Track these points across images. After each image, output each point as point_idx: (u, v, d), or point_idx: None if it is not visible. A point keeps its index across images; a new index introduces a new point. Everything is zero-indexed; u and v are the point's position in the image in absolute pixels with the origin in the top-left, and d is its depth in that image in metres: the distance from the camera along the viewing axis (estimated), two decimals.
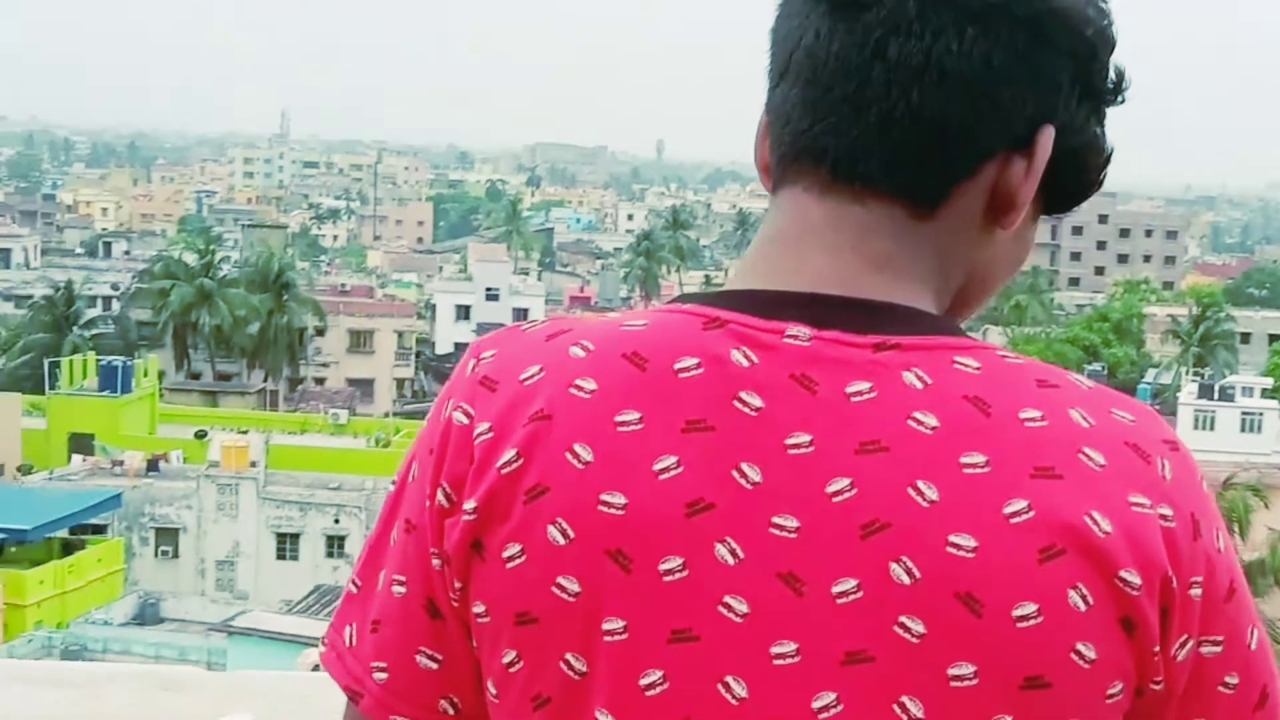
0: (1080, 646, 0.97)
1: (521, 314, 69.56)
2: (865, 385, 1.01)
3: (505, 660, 1.05)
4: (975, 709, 0.97)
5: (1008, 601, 0.96)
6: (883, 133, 1.04)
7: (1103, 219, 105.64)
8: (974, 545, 0.97)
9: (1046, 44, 1.05)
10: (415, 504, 1.10)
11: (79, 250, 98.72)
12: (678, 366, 1.03)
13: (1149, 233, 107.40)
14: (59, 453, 43.95)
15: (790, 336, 1.02)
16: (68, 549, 35.13)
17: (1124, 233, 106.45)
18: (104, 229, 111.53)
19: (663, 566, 1.00)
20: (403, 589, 1.11)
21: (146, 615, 33.93)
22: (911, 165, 1.05)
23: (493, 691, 1.08)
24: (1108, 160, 1.13)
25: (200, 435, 44.54)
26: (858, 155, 1.05)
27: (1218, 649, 1.03)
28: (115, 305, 69.12)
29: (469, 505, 1.05)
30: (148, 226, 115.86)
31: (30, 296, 67.50)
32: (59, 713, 1.85)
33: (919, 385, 1.01)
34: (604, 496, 1.01)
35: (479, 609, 1.06)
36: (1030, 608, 0.96)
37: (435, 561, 1.08)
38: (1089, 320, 65.37)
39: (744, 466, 1.00)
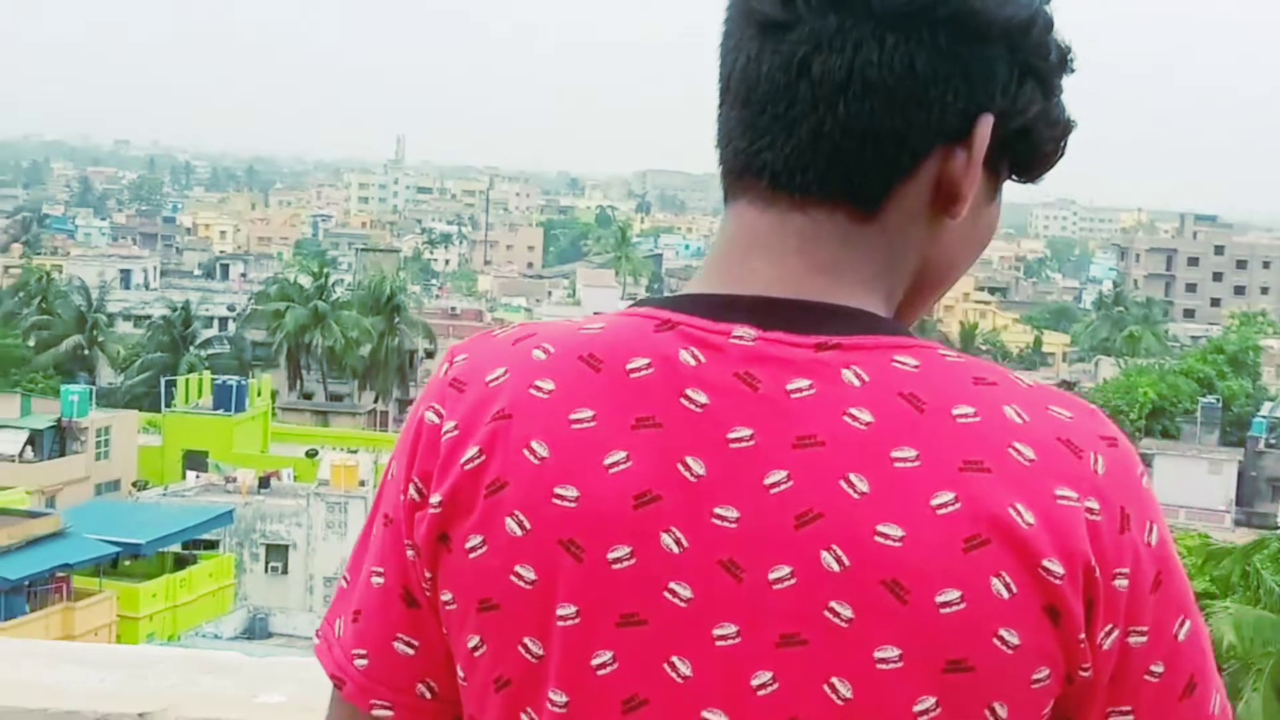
0: (1003, 632, 1.01)
1: None
2: (805, 383, 1.05)
3: (470, 645, 1.11)
4: (901, 690, 1.01)
5: (931, 588, 1.01)
6: (815, 145, 1.08)
7: (1219, 250, 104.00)
8: (901, 535, 1.01)
9: (973, 38, 1.08)
10: (391, 499, 1.16)
11: (197, 272, 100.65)
12: (630, 367, 1.08)
13: (1266, 264, 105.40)
14: (174, 469, 44.86)
15: (736, 337, 1.07)
16: (180, 563, 35.87)
17: (1240, 264, 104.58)
18: (222, 251, 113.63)
19: (611, 555, 1.05)
20: (381, 579, 1.17)
21: (255, 630, 34.51)
22: (847, 173, 1.09)
23: (461, 675, 1.14)
24: (1065, 130, 1.16)
25: (311, 454, 45.24)
26: (794, 168, 1.09)
27: (1143, 639, 1.06)
28: (231, 326, 70.47)
29: (435, 499, 1.11)
30: (264, 249, 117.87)
31: (149, 316, 68.98)
32: (107, 690, 1.99)
33: (857, 383, 1.05)
34: (558, 490, 1.07)
35: (446, 597, 1.12)
36: (953, 594, 1.01)
37: (409, 553, 1.14)
38: (1204, 352, 64.25)
39: (689, 460, 1.05)
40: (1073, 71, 1.16)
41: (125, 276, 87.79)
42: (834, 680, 1.02)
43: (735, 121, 1.12)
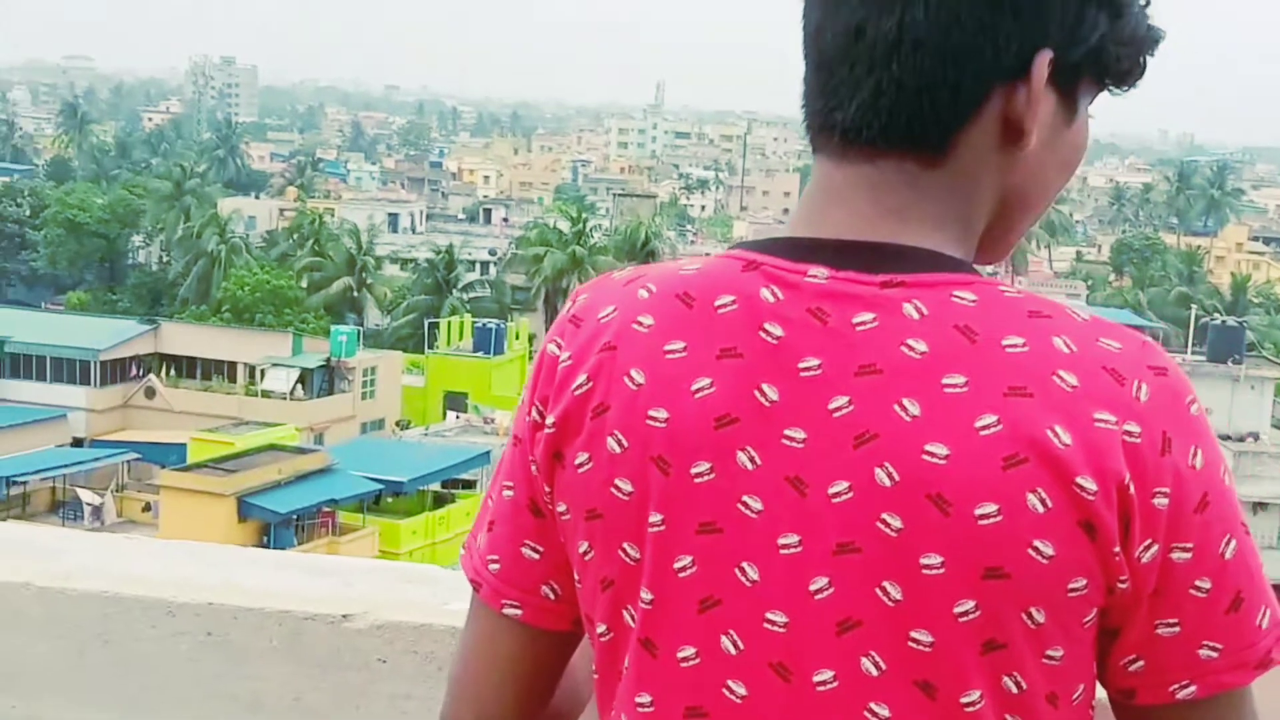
0: (1038, 543, 1.10)
1: None
2: (869, 316, 1.15)
3: (581, 550, 1.25)
4: (944, 594, 1.11)
5: (971, 502, 1.10)
6: (875, 102, 1.17)
7: None
8: (946, 453, 1.11)
9: None
10: (520, 422, 1.30)
11: (461, 216, 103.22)
12: (717, 303, 1.20)
13: None
14: (435, 409, 46.28)
15: (811, 276, 1.17)
16: (439, 501, 37.05)
17: None
18: (485, 196, 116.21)
19: (694, 470, 1.18)
20: (511, 493, 1.31)
21: None
22: (908, 125, 1.17)
23: (576, 577, 1.28)
24: (1144, 43, 1.23)
25: None
26: (860, 124, 1.18)
27: (1187, 555, 1.14)
28: (492, 270, 72.06)
29: (550, 420, 1.25)
30: (525, 194, 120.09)
31: (414, 260, 71.03)
32: (317, 594, 2.17)
33: (916, 316, 1.15)
34: (651, 412, 1.19)
35: (561, 508, 1.26)
36: (991, 508, 1.10)
37: (532, 468, 1.28)
38: None
39: (764, 387, 1.17)
40: None
41: (393, 220, 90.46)
42: (885, 584, 1.12)
43: (812, 83, 1.22)
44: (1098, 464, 1.10)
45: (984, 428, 1.11)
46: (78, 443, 45.23)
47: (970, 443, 1.11)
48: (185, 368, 50.34)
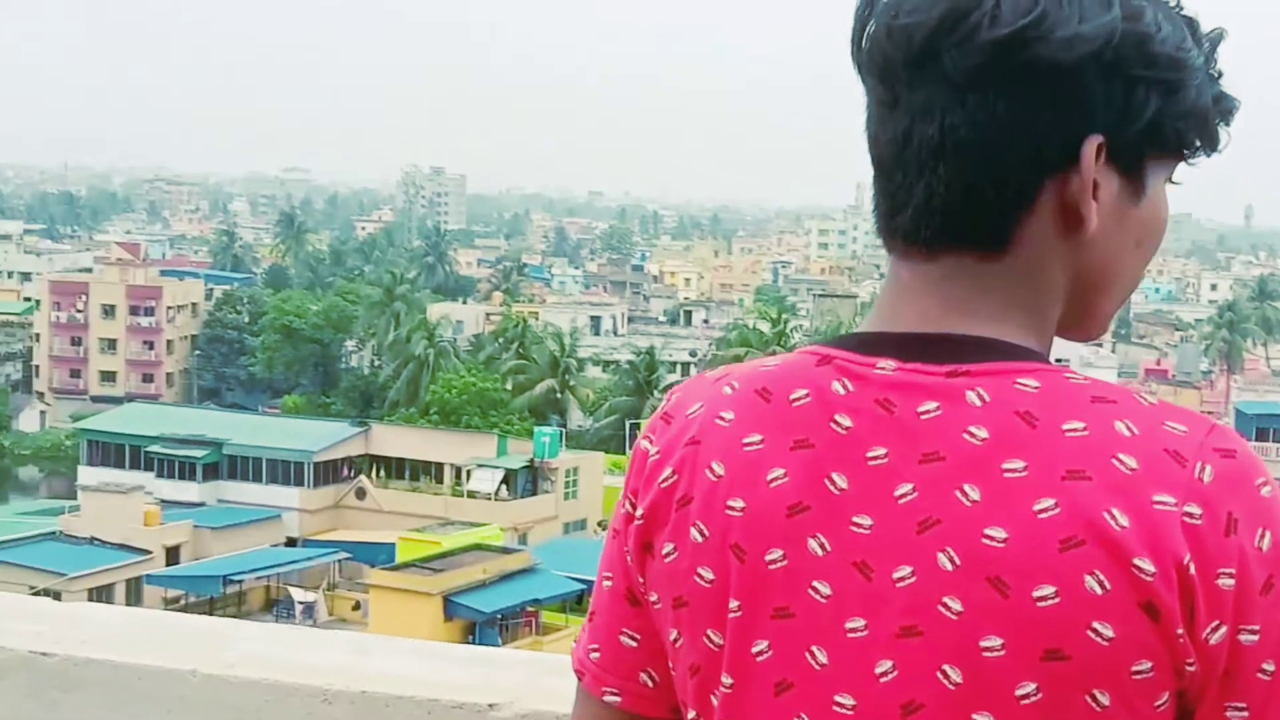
0: (1097, 625, 1.11)
1: None
2: (934, 405, 1.18)
3: (672, 638, 1.29)
4: (1005, 676, 1.13)
5: (1030, 584, 1.12)
6: (928, 205, 1.21)
7: None
8: (1005, 537, 1.13)
9: (1050, 77, 1.18)
10: (617, 515, 1.35)
11: (662, 318, 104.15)
12: (792, 397, 1.24)
13: None
14: None
15: (880, 368, 1.21)
16: None
17: None
18: (686, 298, 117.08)
19: (768, 557, 1.21)
20: (610, 582, 1.36)
21: None
22: (963, 224, 1.21)
23: (671, 664, 1.31)
24: (1211, 113, 1.25)
25: None
26: (919, 226, 1.22)
27: (1255, 637, 1.13)
28: (693, 370, 72.44)
29: (639, 512, 1.30)
30: (726, 296, 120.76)
31: (616, 361, 71.87)
32: (468, 683, 2.23)
33: (978, 403, 1.17)
34: (729, 502, 1.24)
35: (653, 597, 1.30)
36: (1049, 590, 1.11)
37: (628, 559, 1.33)
38: None
39: (834, 476, 1.20)
40: (1214, 47, 1.25)
41: (595, 323, 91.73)
42: (946, 667, 1.14)
43: (877, 189, 1.26)
44: (1155, 545, 1.11)
45: (1042, 511, 1.12)
46: (291, 542, 46.59)
47: (1028, 526, 1.12)
48: (394, 469, 51.57)
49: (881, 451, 1.19)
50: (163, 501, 46.42)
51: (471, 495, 48.37)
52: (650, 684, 1.35)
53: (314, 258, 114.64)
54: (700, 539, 1.25)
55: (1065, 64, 1.17)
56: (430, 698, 2.19)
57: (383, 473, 51.53)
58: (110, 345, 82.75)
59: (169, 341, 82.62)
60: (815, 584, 1.20)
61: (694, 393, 1.33)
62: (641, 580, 1.31)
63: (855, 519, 1.19)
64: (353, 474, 51.21)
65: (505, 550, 38.66)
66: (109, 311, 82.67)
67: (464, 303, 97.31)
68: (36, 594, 40.28)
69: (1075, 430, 1.15)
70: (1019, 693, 1.13)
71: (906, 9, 1.21)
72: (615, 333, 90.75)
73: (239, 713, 2.25)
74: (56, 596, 38.81)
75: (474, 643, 33.26)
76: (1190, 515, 1.12)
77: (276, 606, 40.19)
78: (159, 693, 2.31)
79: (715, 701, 1.26)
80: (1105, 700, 1.12)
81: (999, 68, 1.18)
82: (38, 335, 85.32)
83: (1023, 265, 1.22)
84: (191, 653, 2.35)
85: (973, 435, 1.16)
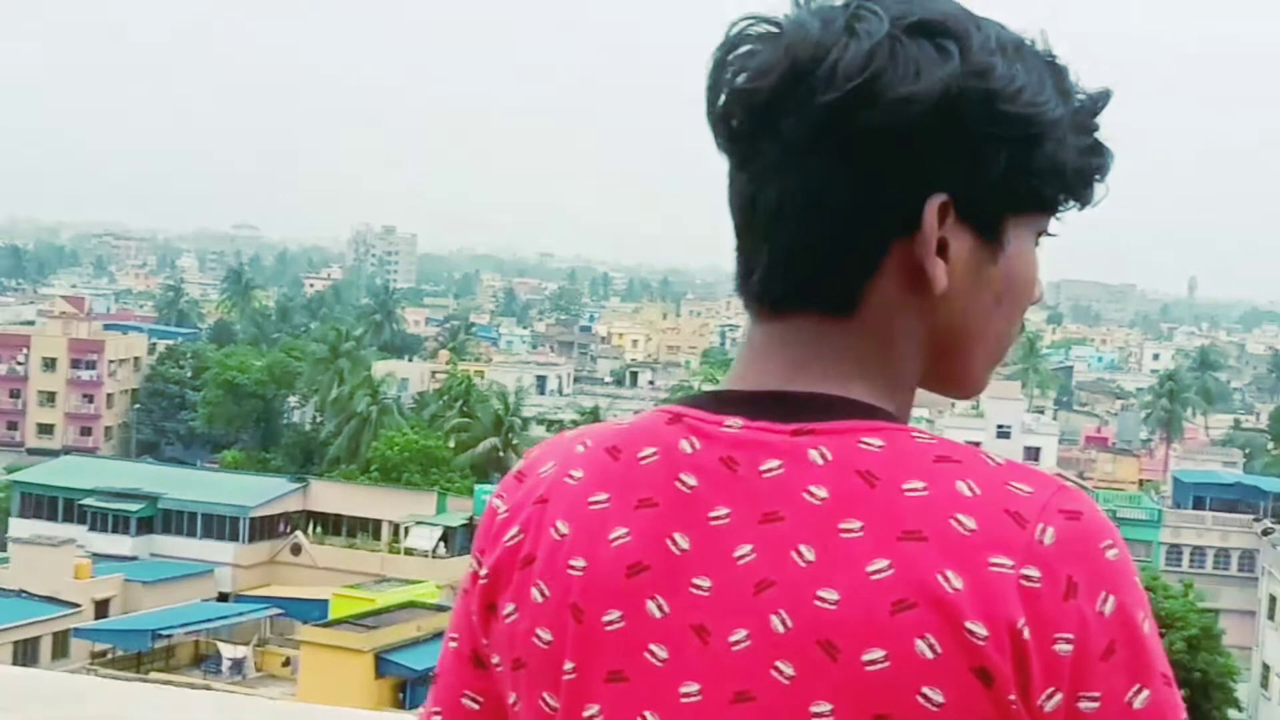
0: (926, 690, 1.08)
1: (1033, 454, 68.07)
2: (776, 463, 1.16)
3: (511, 701, 1.26)
4: None
5: (859, 647, 1.09)
6: (772, 268, 1.20)
7: None
8: (836, 599, 1.10)
9: (888, 141, 1.16)
10: (466, 574, 1.32)
11: (608, 379, 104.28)
12: (640, 455, 1.22)
13: None
14: None
15: (727, 426, 1.19)
16: None
17: None
18: (633, 359, 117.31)
19: (606, 618, 1.18)
20: (455, 643, 1.33)
21: None
22: (808, 287, 1.20)
23: None
24: (1069, 168, 1.22)
25: None
26: (767, 289, 1.21)
27: (1094, 704, 1.11)
28: None
29: (483, 572, 1.28)
30: (673, 358, 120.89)
31: (560, 421, 71.66)
32: None
33: (820, 461, 1.15)
34: (571, 561, 1.21)
35: (495, 659, 1.28)
36: (878, 653, 1.09)
37: (473, 619, 1.30)
38: None
39: (676, 535, 1.18)
40: (1096, 100, 1.24)
41: (541, 382, 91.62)
42: None
43: (736, 252, 1.25)
44: (989, 608, 1.08)
45: (875, 572, 1.10)
46: (223, 597, 46.11)
47: (860, 587, 1.10)
48: (332, 525, 51.22)
49: (724, 511, 1.17)
50: (95, 555, 45.90)
51: (409, 552, 48.05)
52: None
53: (260, 314, 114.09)
54: (540, 599, 1.22)
55: (898, 127, 1.15)
56: None
57: (320, 529, 51.13)
58: (49, 398, 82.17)
59: (109, 395, 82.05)
60: (652, 647, 1.17)
61: (549, 452, 1.31)
62: (485, 642, 1.29)
63: (695, 580, 1.17)
64: (289, 530, 50.78)
65: (440, 608, 38.25)
66: (50, 364, 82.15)
67: (410, 360, 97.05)
68: None
69: (915, 490, 1.13)
70: None
71: (750, 71, 1.19)
72: (561, 392, 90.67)
73: None
74: None
75: (405, 701, 32.93)
76: (1028, 578, 1.10)
77: (205, 662, 39.67)
78: None
79: None
80: None
81: (834, 131, 1.16)
82: None
83: (872, 326, 1.20)
84: (46, 712, 2.28)
85: (812, 495, 1.14)
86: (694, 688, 1.15)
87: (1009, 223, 1.22)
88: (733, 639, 1.14)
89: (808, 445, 1.16)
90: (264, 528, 50.20)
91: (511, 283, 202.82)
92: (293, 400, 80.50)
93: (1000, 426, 69.96)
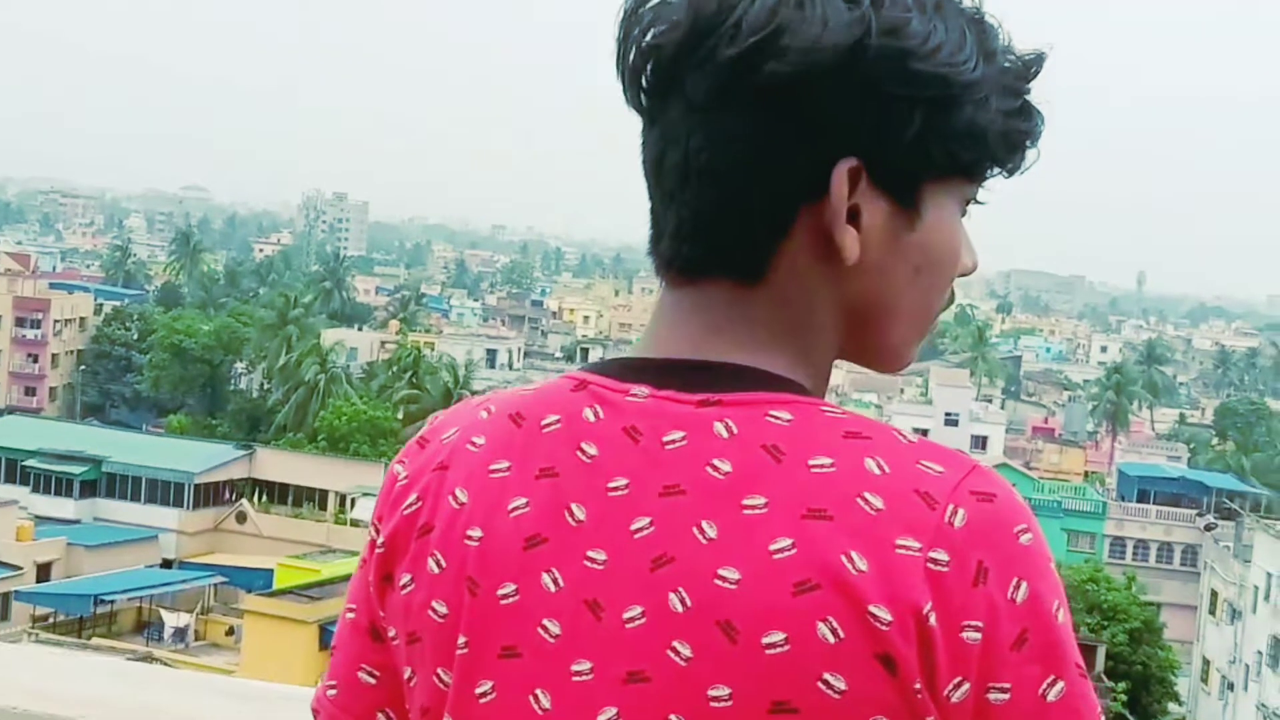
0: (828, 676, 1.03)
1: (980, 442, 68.42)
2: (679, 435, 1.11)
3: (406, 676, 1.21)
4: None
5: (759, 630, 1.04)
6: (679, 232, 1.16)
7: None
8: (737, 578, 1.06)
9: (790, 94, 1.10)
10: (365, 544, 1.27)
11: (558, 355, 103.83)
12: (544, 423, 1.17)
13: None
14: None
15: (632, 395, 1.15)
16: None
17: None
18: (584, 335, 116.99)
19: (500, 591, 1.14)
20: (353, 615, 1.27)
21: None
22: (715, 252, 1.15)
23: (407, 706, 1.23)
24: (989, 134, 1.15)
25: None
26: (675, 254, 1.17)
27: (1005, 695, 1.06)
28: None
29: (380, 541, 1.23)
30: (624, 335, 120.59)
31: None
32: None
33: (725, 435, 1.10)
34: (469, 532, 1.16)
35: (392, 633, 1.22)
36: (778, 636, 1.04)
37: (370, 590, 1.25)
38: None
39: (573, 507, 1.13)
40: (1028, 63, 1.17)
41: (491, 356, 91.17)
42: (672, 717, 1.06)
43: (650, 213, 1.20)
44: (894, 592, 1.04)
45: (777, 551, 1.06)
46: (167, 564, 45.66)
47: (762, 567, 1.05)
48: (278, 494, 50.80)
49: (623, 482, 1.12)
50: (37, 517, 45.29)
51: (355, 524, 47.60)
52: None
53: (208, 278, 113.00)
54: (437, 570, 1.17)
55: (803, 82, 1.10)
56: None
57: (265, 497, 50.70)
58: None
59: (54, 355, 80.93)
60: (545, 622, 1.12)
61: (454, 417, 1.25)
62: (382, 614, 1.23)
63: (590, 553, 1.12)
64: (235, 497, 50.34)
65: None
66: None
67: (360, 329, 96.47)
68: None
69: (822, 466, 1.08)
70: None
71: (657, 27, 1.15)
72: (511, 367, 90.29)
73: None
74: None
75: None
76: (935, 561, 1.05)
77: (148, 629, 39.30)
78: None
79: None
80: None
81: (736, 88, 1.11)
82: None
83: (782, 294, 1.15)
84: None
85: (716, 469, 1.10)
86: (585, 665, 1.10)
87: (927, 189, 1.15)
88: (627, 616, 1.09)
89: (713, 417, 1.11)
90: (209, 494, 49.72)
91: (463, 254, 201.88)
92: (240, 366, 79.83)
93: (948, 414, 70.24)
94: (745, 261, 1.14)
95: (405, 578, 1.20)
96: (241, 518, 49.61)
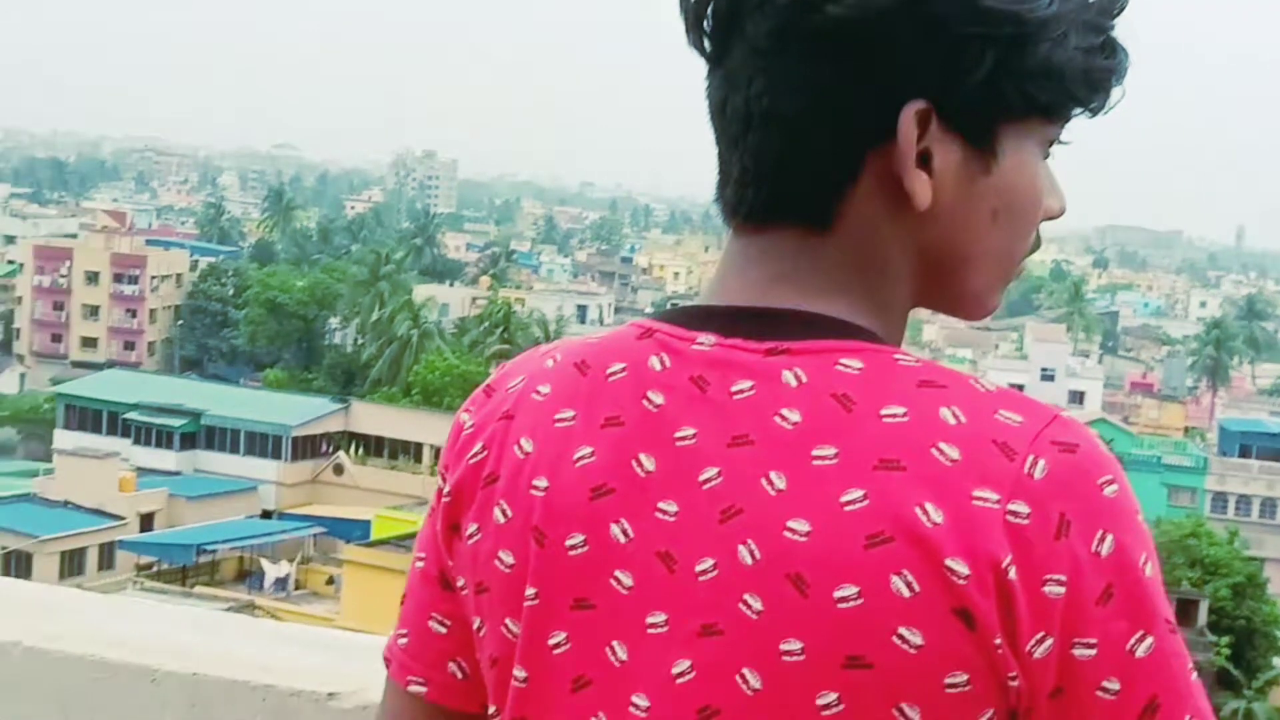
0: (903, 631, 1.01)
1: (1077, 397, 67.64)
2: (747, 384, 1.09)
3: (475, 626, 1.20)
4: (804, 683, 1.03)
5: (831, 583, 1.02)
6: (744, 178, 1.13)
7: None
8: (807, 530, 1.03)
9: (852, 34, 1.07)
10: (434, 491, 1.26)
11: (649, 310, 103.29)
12: (609, 371, 1.15)
13: None
14: None
15: (698, 344, 1.12)
16: None
17: None
18: (674, 291, 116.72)
19: (569, 542, 1.12)
20: (422, 563, 1.25)
21: None
22: (782, 199, 1.12)
23: (477, 656, 1.21)
24: (1069, 72, 1.11)
25: None
26: (741, 200, 1.14)
27: (1091, 652, 1.02)
28: None
29: (446, 490, 1.22)
30: None
31: None
32: (312, 669, 2.10)
33: (794, 384, 1.07)
34: (534, 481, 1.14)
35: (460, 582, 1.21)
36: (851, 590, 1.01)
37: (439, 539, 1.23)
38: None
39: (641, 457, 1.11)
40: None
41: (581, 312, 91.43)
42: (745, 671, 1.05)
43: (717, 159, 1.17)
44: (971, 545, 1.00)
45: (849, 503, 1.03)
46: (267, 515, 46.25)
47: (832, 519, 1.03)
48: (373, 446, 51.20)
49: (690, 432, 1.10)
50: (139, 469, 46.05)
51: None
52: (459, 675, 1.24)
53: (301, 234, 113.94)
54: (503, 520, 1.16)
55: (865, 23, 1.06)
56: (266, 684, 2.02)
57: (361, 450, 51.14)
58: (93, 311, 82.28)
59: (152, 310, 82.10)
60: (617, 573, 1.11)
61: (521, 365, 1.24)
62: (450, 563, 1.22)
63: (661, 504, 1.10)
64: (331, 450, 50.82)
65: None
66: (93, 278, 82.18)
67: (450, 285, 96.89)
68: (7, 555, 39.76)
69: (894, 416, 1.05)
70: (820, 702, 1.02)
71: None
72: (601, 322, 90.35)
73: (61, 693, 2.09)
74: (28, 559, 38.44)
75: None
76: (1014, 514, 1.01)
77: (249, 579, 39.80)
78: None
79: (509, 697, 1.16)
80: (914, 715, 1.02)
81: (796, 30, 1.08)
82: (20, 298, 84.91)
83: (853, 241, 1.12)
84: (18, 623, 2.18)
85: (784, 419, 1.07)
86: (660, 618, 1.09)
87: (1003, 130, 1.11)
88: (699, 568, 1.07)
89: (782, 366, 1.09)
90: (306, 447, 50.25)
91: (552, 210, 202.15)
92: (334, 321, 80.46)
93: (1044, 370, 69.55)
94: (812, 208, 1.11)
95: (472, 527, 1.19)
96: (339, 470, 50.10)
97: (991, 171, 1.11)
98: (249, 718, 2.01)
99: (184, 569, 39.52)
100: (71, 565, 39.22)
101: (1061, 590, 1.01)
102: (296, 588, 39.51)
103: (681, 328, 1.14)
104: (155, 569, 40.01)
